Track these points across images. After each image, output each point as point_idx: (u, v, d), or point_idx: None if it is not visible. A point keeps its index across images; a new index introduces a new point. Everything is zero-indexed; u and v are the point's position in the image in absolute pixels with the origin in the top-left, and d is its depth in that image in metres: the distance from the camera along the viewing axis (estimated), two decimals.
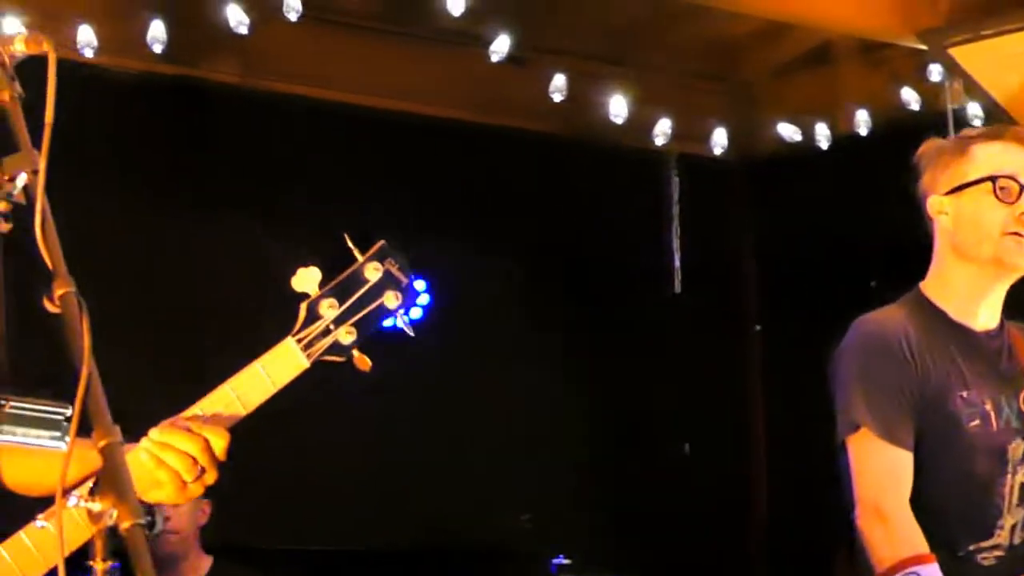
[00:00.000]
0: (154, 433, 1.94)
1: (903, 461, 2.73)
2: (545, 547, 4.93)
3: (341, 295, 2.01)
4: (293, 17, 4.73)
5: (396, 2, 5.43)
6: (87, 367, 1.51)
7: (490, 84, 5.57)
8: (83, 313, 1.56)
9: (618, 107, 5.50)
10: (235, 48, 5.16)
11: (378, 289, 2.01)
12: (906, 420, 2.74)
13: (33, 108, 1.72)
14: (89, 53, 4.76)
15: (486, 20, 5.29)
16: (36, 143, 1.64)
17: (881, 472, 2.75)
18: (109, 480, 1.49)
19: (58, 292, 1.57)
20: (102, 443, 1.49)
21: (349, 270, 2.03)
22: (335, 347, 2.00)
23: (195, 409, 1.99)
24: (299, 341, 1.99)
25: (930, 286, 2.85)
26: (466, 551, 5.47)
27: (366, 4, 5.44)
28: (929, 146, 2.85)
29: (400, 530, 5.48)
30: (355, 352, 2.01)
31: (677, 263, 6.22)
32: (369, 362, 2.01)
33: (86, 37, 4.82)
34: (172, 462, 1.92)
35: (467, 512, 5.55)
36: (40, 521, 1.81)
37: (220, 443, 1.93)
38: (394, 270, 2.02)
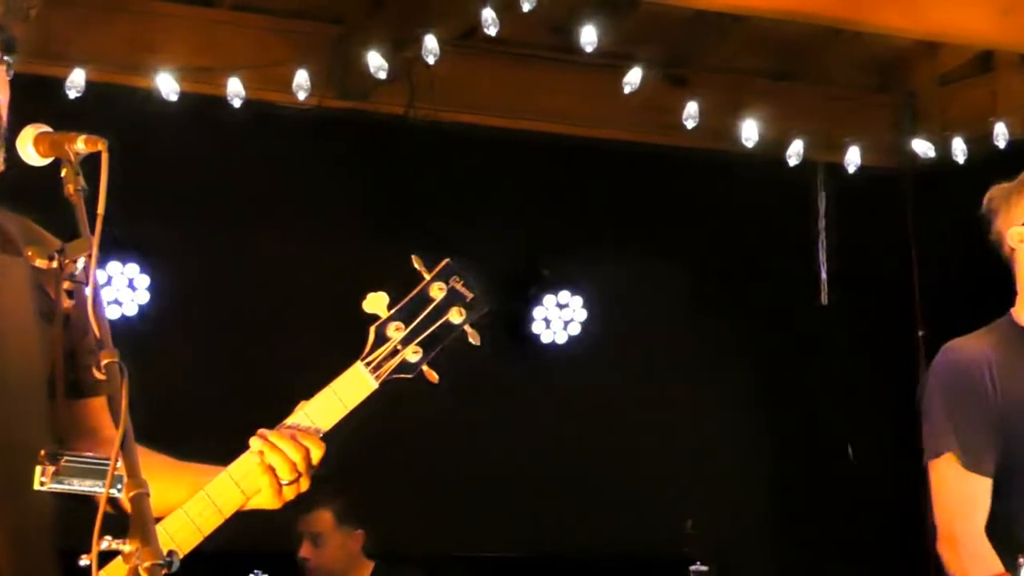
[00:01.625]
0: (267, 433, 2.05)
1: (982, 488, 2.76)
2: (709, 555, 4.89)
3: (407, 316, 2.07)
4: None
5: (554, 29, 5.47)
6: (122, 426, 1.66)
7: (651, 103, 5.54)
8: (124, 379, 1.72)
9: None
10: (398, 81, 5.31)
11: (443, 307, 2.08)
12: (988, 447, 2.77)
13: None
14: (240, 99, 4.91)
15: (642, 41, 5.35)
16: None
17: (957, 498, 2.79)
18: (137, 525, 1.65)
19: (104, 361, 1.74)
20: (131, 494, 1.66)
21: (415, 291, 2.10)
22: (402, 366, 2.07)
23: (290, 420, 2.09)
24: (367, 364, 2.06)
25: (1019, 311, 2.85)
26: (628, 557, 5.45)
27: (526, 31, 5.46)
28: (995, 191, 2.90)
29: (564, 537, 5.52)
30: (424, 368, 2.09)
31: (823, 274, 6.16)
32: (436, 376, 2.10)
33: (235, 87, 5.02)
34: (277, 465, 2.03)
35: (629, 520, 5.54)
36: (83, 560, 1.80)
37: (318, 453, 2.05)
38: (459, 287, 2.08)
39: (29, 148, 1.95)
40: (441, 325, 2.09)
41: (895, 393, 5.87)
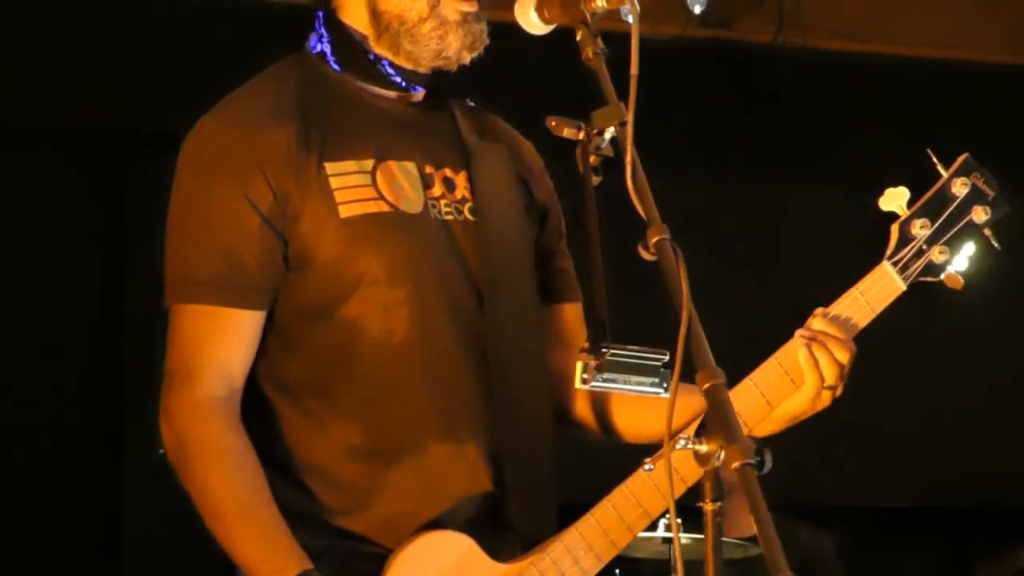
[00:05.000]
0: (816, 323, 1.92)
1: None
2: None
3: (932, 214, 1.95)
4: None
5: None
6: (686, 310, 1.47)
7: None
8: (679, 258, 1.54)
9: None
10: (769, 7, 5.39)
11: (966, 204, 1.96)
12: None
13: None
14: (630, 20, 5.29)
15: None
16: (622, 97, 1.65)
17: None
18: (716, 421, 1.45)
19: (653, 239, 1.55)
20: (707, 385, 1.46)
21: (935, 186, 1.98)
22: (929, 267, 1.95)
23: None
24: (895, 264, 1.94)
25: None
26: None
27: None
28: None
29: (957, 488, 5.24)
30: (947, 272, 1.96)
31: None
32: (961, 281, 1.95)
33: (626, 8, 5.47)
34: (825, 367, 1.88)
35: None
36: (648, 465, 1.73)
37: (846, 355, 1.89)
38: (980, 184, 1.95)
39: (531, 14, 1.77)
40: (966, 223, 1.97)
41: None
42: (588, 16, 1.71)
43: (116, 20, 4.72)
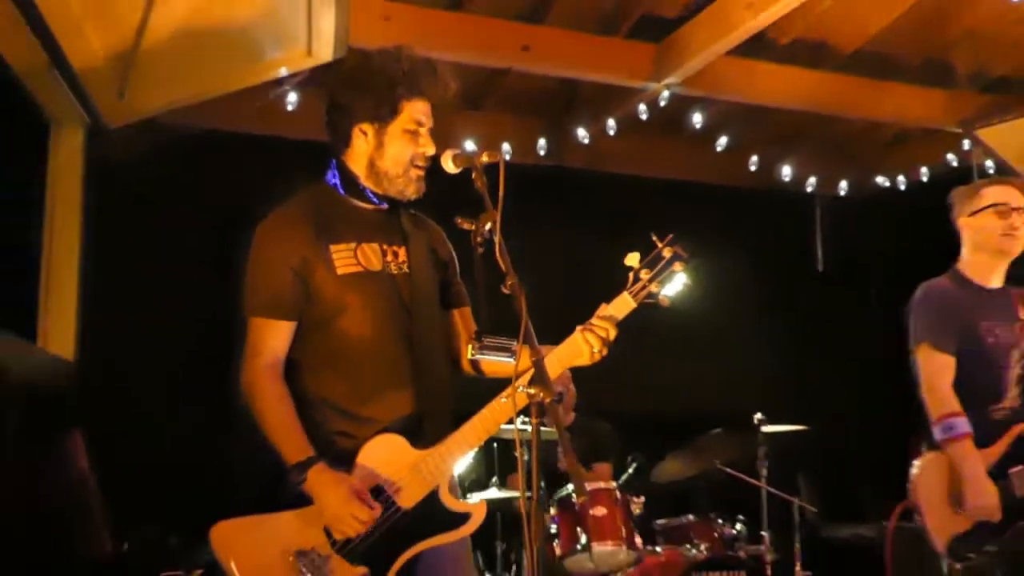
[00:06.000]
0: (595, 320, 2.68)
1: (947, 361, 3.71)
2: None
3: (650, 266, 2.64)
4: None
5: None
6: (524, 320, 2.32)
7: None
8: (521, 293, 2.38)
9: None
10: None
11: (671, 261, 2.64)
12: (950, 337, 3.71)
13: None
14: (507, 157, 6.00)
15: None
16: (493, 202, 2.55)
17: (933, 367, 3.70)
18: (538, 378, 2.29)
19: (508, 282, 2.43)
20: (534, 358, 2.32)
21: (653, 252, 2.64)
22: (649, 295, 2.64)
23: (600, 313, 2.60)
24: (630, 293, 2.65)
25: (962, 265, 3.87)
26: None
27: None
28: (955, 192, 3.93)
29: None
30: (659, 296, 2.67)
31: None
32: (668, 302, 2.65)
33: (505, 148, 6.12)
34: (592, 341, 2.66)
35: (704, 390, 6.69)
36: (503, 398, 2.67)
37: (614, 332, 2.66)
38: (679, 251, 2.65)
39: (449, 163, 2.60)
40: (670, 272, 2.63)
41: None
42: (477, 164, 2.53)
43: None
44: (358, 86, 2.78)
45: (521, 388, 2.29)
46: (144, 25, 4.00)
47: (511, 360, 2.46)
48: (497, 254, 2.42)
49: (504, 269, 2.43)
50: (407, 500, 2.67)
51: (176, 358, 5.69)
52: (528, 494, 2.23)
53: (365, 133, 2.81)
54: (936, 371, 3.70)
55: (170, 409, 5.69)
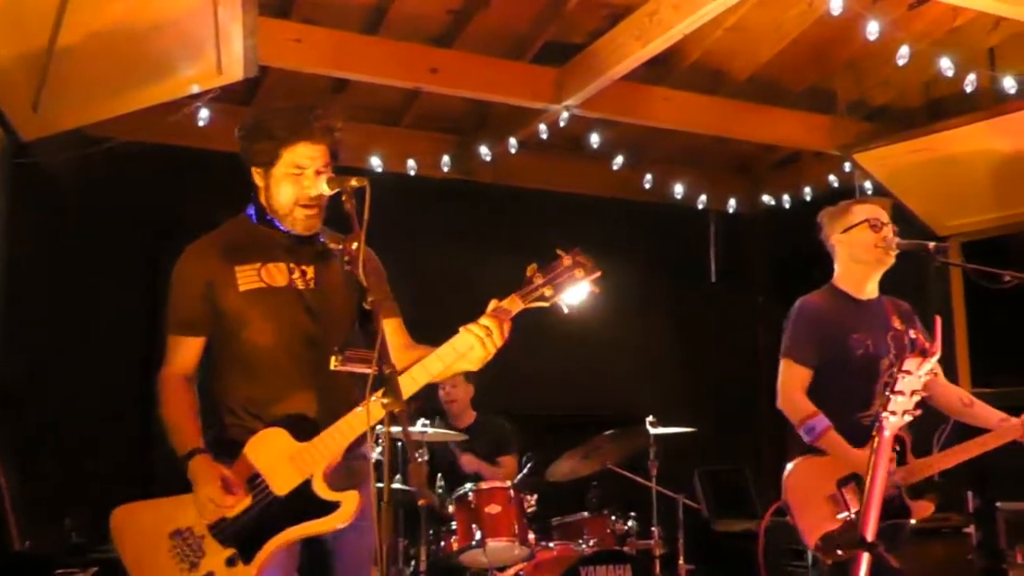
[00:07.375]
0: (484, 318, 2.73)
1: (804, 374, 3.80)
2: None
3: (546, 272, 2.67)
4: None
5: None
6: (380, 335, 2.41)
7: None
8: (378, 311, 2.55)
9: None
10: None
11: (570, 268, 2.69)
12: (811, 352, 3.78)
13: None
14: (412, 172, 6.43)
15: None
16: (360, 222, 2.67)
17: (789, 379, 3.78)
18: (391, 390, 2.39)
19: (370, 299, 2.62)
20: (388, 371, 2.41)
21: (555, 262, 2.69)
22: (540, 298, 2.70)
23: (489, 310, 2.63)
24: (520, 296, 2.71)
25: (837, 279, 3.91)
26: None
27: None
28: (824, 212, 4.00)
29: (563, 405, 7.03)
30: (556, 300, 2.70)
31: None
32: (566, 309, 2.71)
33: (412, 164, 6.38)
34: (479, 328, 2.74)
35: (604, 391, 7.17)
36: (360, 409, 2.77)
37: (507, 328, 2.72)
38: (580, 259, 2.71)
39: (324, 186, 2.75)
40: (568, 277, 2.69)
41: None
42: (347, 188, 2.63)
43: None
44: (247, 136, 2.99)
45: (374, 399, 2.42)
46: (54, 39, 4.08)
47: (370, 371, 2.54)
48: (360, 273, 2.54)
49: (366, 286, 2.59)
50: (281, 488, 2.83)
51: (93, 364, 5.84)
52: (382, 488, 2.44)
53: (259, 175, 3.00)
54: (790, 383, 3.82)
55: (88, 414, 5.83)
